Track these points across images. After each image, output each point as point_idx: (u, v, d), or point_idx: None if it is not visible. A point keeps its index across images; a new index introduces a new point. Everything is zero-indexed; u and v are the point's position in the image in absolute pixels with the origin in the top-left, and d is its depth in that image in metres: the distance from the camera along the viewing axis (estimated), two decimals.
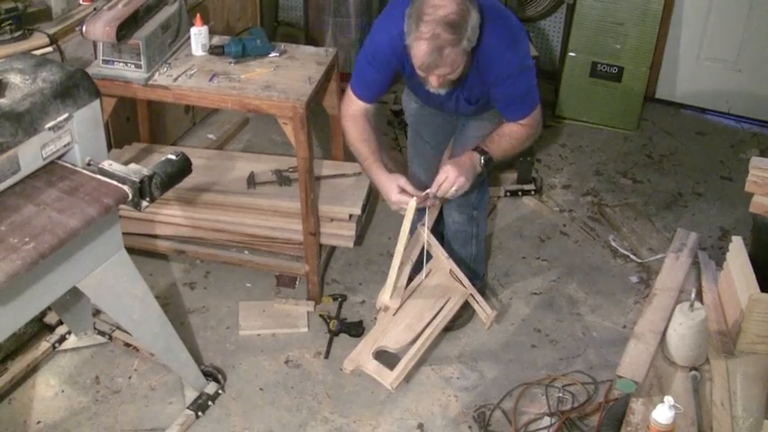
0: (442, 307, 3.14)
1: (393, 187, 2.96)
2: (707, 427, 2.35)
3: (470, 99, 3.05)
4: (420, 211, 3.21)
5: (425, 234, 3.19)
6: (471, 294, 3.25)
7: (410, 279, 3.22)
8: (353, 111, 3.09)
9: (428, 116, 3.30)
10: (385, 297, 3.06)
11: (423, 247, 3.22)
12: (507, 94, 2.94)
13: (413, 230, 3.13)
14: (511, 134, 3.01)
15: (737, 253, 2.70)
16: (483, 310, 3.27)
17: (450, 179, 2.92)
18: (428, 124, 3.34)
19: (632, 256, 4.02)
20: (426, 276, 3.23)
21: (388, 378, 2.95)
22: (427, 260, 3.25)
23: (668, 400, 2.21)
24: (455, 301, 3.18)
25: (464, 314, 3.55)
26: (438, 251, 3.23)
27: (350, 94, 3.09)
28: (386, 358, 3.04)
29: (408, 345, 3.02)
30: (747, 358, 2.54)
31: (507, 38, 2.84)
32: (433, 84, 2.80)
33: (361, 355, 2.99)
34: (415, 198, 2.89)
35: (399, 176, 2.98)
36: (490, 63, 2.84)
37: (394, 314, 3.09)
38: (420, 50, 2.66)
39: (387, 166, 3.06)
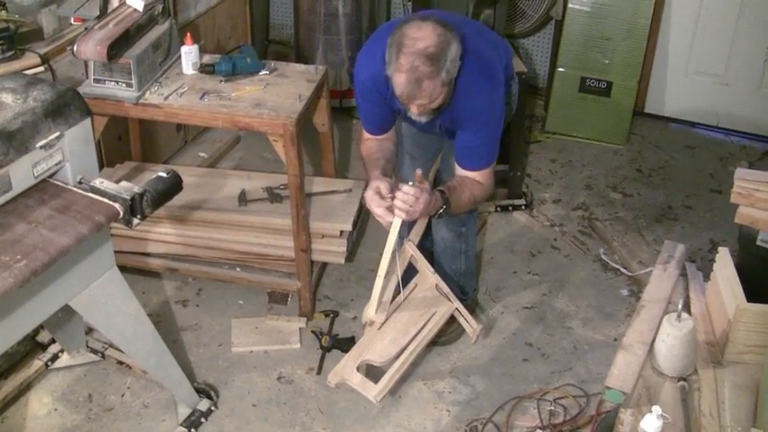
0: (428, 321, 3.15)
1: (372, 185, 2.88)
2: None
3: (450, 130, 3.08)
4: (406, 226, 3.24)
5: (411, 249, 3.21)
6: (457, 308, 3.27)
7: (397, 294, 3.23)
8: (365, 138, 3.17)
9: (416, 135, 3.32)
10: (370, 312, 3.08)
11: (408, 262, 3.23)
12: (470, 139, 2.95)
13: (399, 245, 3.15)
14: (472, 188, 2.99)
15: (724, 264, 2.71)
16: (469, 324, 3.28)
17: (420, 200, 2.78)
18: (417, 144, 3.37)
19: (623, 270, 4.04)
20: (412, 291, 3.24)
21: (373, 391, 2.95)
22: (413, 275, 3.26)
23: (656, 409, 2.21)
24: (440, 314, 3.19)
25: (456, 329, 3.56)
26: (424, 266, 3.25)
27: (362, 130, 3.17)
28: (374, 374, 3.05)
29: (393, 358, 3.03)
30: (735, 368, 2.55)
31: (485, 87, 2.87)
32: (414, 111, 2.83)
33: (345, 369, 3.00)
34: (397, 218, 2.87)
35: (384, 181, 2.89)
36: (462, 104, 2.86)
37: (379, 328, 3.11)
38: (399, 82, 2.69)
39: (386, 173, 3.01)
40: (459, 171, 3.02)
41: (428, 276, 3.25)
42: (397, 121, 3.38)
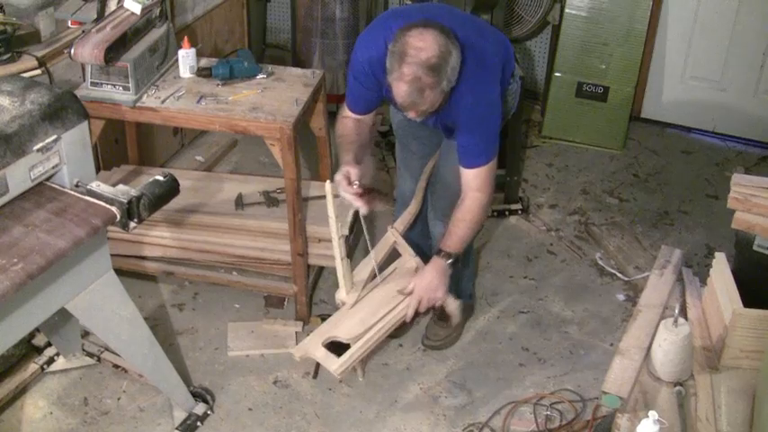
0: (400, 302, 3.16)
1: (342, 170, 2.95)
2: None
3: (445, 128, 3.10)
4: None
5: (394, 235, 3.25)
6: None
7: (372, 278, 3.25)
8: (344, 115, 3.16)
9: (415, 128, 3.32)
10: (342, 294, 3.09)
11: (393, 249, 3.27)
12: (465, 137, 2.96)
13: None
14: (469, 215, 3.01)
15: (721, 269, 2.72)
16: (448, 303, 3.28)
17: (430, 303, 3.08)
18: (415, 136, 3.38)
19: (619, 275, 4.05)
20: (391, 274, 3.26)
21: (334, 365, 2.96)
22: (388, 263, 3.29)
23: (653, 414, 2.22)
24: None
25: (451, 333, 3.57)
26: (405, 250, 3.27)
27: (344, 105, 3.16)
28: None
29: (360, 336, 3.04)
30: (731, 373, 2.56)
31: (477, 85, 2.88)
32: (412, 115, 2.87)
33: (310, 344, 3.01)
34: (329, 182, 2.90)
35: (354, 167, 2.95)
36: (455, 104, 2.88)
37: (350, 308, 3.12)
38: (401, 90, 2.72)
39: (358, 159, 3.03)
40: (462, 173, 3.00)
41: (409, 260, 3.26)
42: (393, 115, 3.39)
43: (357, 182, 2.92)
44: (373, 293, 3.18)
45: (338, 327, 3.06)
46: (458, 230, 3.04)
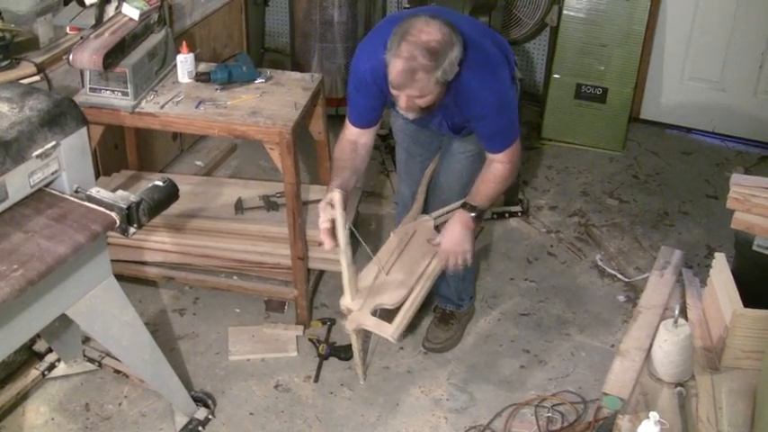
0: (432, 258, 3.22)
1: (327, 197, 2.93)
2: None
3: (453, 127, 3.10)
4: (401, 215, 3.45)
5: (400, 234, 3.33)
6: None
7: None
8: (344, 136, 3.13)
9: (415, 132, 3.33)
10: (347, 300, 3.10)
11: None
12: (487, 129, 2.99)
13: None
14: (494, 178, 3.05)
15: (721, 269, 2.72)
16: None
17: (460, 259, 3.14)
18: (415, 141, 3.38)
19: (619, 276, 4.04)
20: (411, 237, 3.31)
21: (388, 330, 3.00)
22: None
23: (653, 415, 2.22)
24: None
25: (452, 336, 3.57)
26: (417, 216, 3.36)
27: (346, 121, 3.13)
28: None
29: (404, 299, 3.10)
30: (732, 373, 2.56)
31: (488, 78, 2.88)
32: (401, 105, 2.83)
33: (360, 315, 3.05)
34: (338, 192, 2.90)
35: (338, 192, 2.93)
36: (469, 101, 2.88)
37: (387, 274, 3.17)
38: (394, 68, 2.71)
39: (347, 184, 3.01)
40: (489, 156, 3.06)
41: (424, 222, 3.34)
42: (394, 119, 3.39)
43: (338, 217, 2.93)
44: (402, 257, 3.24)
45: (381, 295, 3.11)
46: (485, 189, 3.08)
